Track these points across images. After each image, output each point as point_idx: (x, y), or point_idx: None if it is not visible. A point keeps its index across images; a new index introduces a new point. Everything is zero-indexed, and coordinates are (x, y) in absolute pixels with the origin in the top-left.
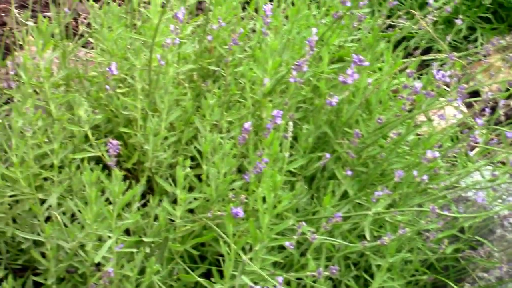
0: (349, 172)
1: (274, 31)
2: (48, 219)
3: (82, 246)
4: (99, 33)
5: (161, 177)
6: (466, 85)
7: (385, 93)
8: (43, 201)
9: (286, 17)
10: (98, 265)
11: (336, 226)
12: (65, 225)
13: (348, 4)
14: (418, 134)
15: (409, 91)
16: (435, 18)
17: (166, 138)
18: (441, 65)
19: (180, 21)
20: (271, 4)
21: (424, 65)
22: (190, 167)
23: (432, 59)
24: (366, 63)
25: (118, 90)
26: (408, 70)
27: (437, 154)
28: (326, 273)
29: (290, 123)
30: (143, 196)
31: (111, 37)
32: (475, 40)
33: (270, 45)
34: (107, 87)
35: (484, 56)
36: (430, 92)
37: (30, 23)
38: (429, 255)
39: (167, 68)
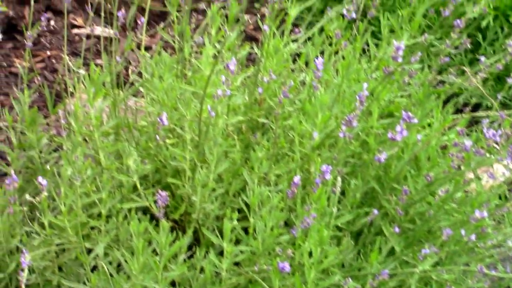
0: (397, 229)
1: (324, 85)
2: (94, 268)
3: None
4: (150, 82)
5: (207, 229)
6: None
7: (434, 149)
8: (89, 250)
9: (337, 70)
10: None
11: (382, 283)
12: (111, 275)
13: (399, 60)
14: (466, 191)
15: (459, 149)
16: (485, 75)
17: (214, 189)
18: (491, 123)
19: (232, 73)
20: (322, 58)
21: (473, 121)
22: (237, 220)
23: (482, 116)
24: (415, 121)
25: (167, 141)
26: (458, 128)
27: (485, 214)
28: None
29: (339, 179)
30: (189, 247)
31: (162, 87)
32: None
33: (320, 99)
34: (157, 137)
35: None
36: (479, 150)
37: (82, 71)
38: None
39: (217, 120)
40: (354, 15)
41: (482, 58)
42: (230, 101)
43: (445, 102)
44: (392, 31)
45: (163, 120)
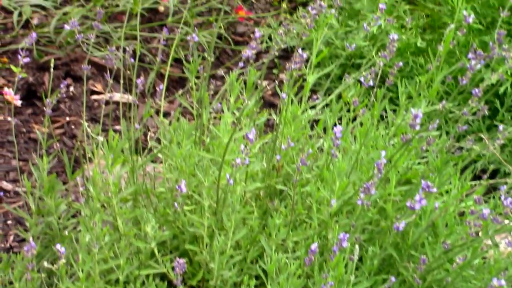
0: None
1: (342, 151)
2: None
3: None
4: (168, 149)
5: None
6: None
7: (451, 216)
8: None
9: (354, 137)
10: None
11: None
12: None
13: (417, 128)
14: (484, 258)
15: (476, 216)
16: (503, 142)
17: (231, 256)
18: (510, 189)
19: (251, 142)
20: (340, 124)
21: (491, 188)
22: (255, 287)
23: (500, 183)
24: (434, 190)
25: (185, 207)
26: (475, 196)
27: (503, 282)
28: None
29: (356, 246)
30: None
31: (180, 153)
32: None
33: (338, 166)
34: (175, 204)
35: None
36: (497, 217)
37: (100, 138)
38: None
39: (235, 187)
40: (371, 83)
41: (501, 126)
42: (248, 168)
43: (463, 168)
44: (410, 97)
45: (182, 187)
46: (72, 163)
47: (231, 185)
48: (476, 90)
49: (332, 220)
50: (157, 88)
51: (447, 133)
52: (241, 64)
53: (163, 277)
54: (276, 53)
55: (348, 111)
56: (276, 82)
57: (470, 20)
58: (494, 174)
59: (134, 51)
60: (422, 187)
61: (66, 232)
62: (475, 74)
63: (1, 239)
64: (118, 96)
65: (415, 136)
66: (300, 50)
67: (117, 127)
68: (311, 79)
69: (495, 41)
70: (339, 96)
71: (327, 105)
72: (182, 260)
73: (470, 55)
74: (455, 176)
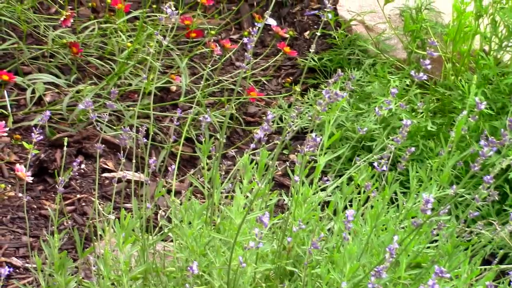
0: None
1: (352, 234)
2: None
3: None
4: (179, 228)
5: None
6: None
7: None
8: None
9: (364, 219)
10: None
11: None
12: None
13: (428, 212)
14: None
15: None
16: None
17: None
18: None
19: (265, 226)
20: (351, 207)
21: (501, 272)
22: None
23: (509, 269)
24: (448, 275)
25: (195, 287)
26: (487, 283)
27: None
28: None
29: None
30: None
31: (191, 233)
32: None
33: (348, 249)
34: (187, 286)
35: None
36: None
37: (112, 216)
38: None
39: (246, 268)
40: (384, 168)
41: None
42: (258, 249)
43: (473, 251)
44: (420, 180)
45: (193, 269)
46: (82, 241)
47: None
48: (488, 177)
49: None
50: (169, 168)
51: (457, 217)
52: (252, 145)
53: None
54: (287, 136)
55: (359, 193)
56: (287, 163)
57: (482, 106)
58: (503, 259)
59: (146, 131)
60: (436, 272)
61: None
62: (486, 160)
63: None
64: (129, 174)
65: (426, 221)
66: (313, 135)
67: (128, 205)
68: (322, 161)
69: (505, 127)
70: (349, 178)
71: (337, 187)
72: None
73: (482, 142)
74: (465, 260)
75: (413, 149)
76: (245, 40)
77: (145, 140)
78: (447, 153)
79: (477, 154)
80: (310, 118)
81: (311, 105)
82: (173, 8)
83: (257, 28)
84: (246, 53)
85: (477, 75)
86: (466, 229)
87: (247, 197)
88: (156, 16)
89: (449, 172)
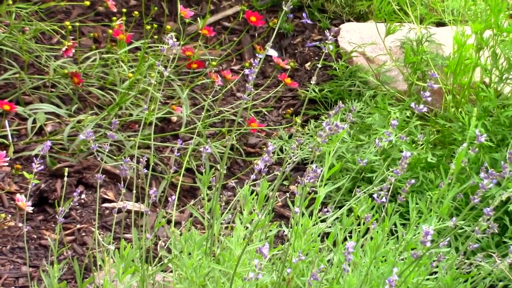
0: None
1: (352, 266)
2: None
3: None
4: (179, 259)
5: None
6: None
7: None
8: None
9: (364, 250)
10: None
11: None
12: None
13: (428, 244)
14: None
15: None
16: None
17: None
18: None
19: (265, 257)
20: (350, 238)
21: None
22: None
23: None
24: None
25: None
26: None
27: None
28: None
29: None
30: None
31: (191, 264)
32: None
33: (348, 281)
34: None
35: None
36: None
37: (112, 246)
38: None
39: None
40: (384, 200)
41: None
42: (258, 280)
43: (472, 282)
44: (420, 212)
45: None
46: (82, 271)
47: None
48: (488, 209)
49: None
50: (169, 198)
51: (457, 249)
52: (253, 176)
53: None
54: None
55: (359, 225)
56: (287, 194)
57: (482, 139)
58: None
59: (147, 161)
60: None
61: None
62: (486, 192)
63: None
64: (130, 205)
65: (426, 253)
66: (314, 166)
67: (128, 235)
68: (322, 192)
69: (505, 159)
70: (349, 209)
71: (337, 218)
72: None
73: (482, 174)
74: None
75: (413, 181)
76: (246, 71)
77: (146, 170)
78: (447, 185)
79: (477, 186)
80: (310, 149)
81: (311, 136)
82: (175, 39)
83: (258, 59)
84: (247, 84)
85: (477, 107)
86: (466, 261)
87: (247, 228)
88: (157, 46)
89: (449, 204)
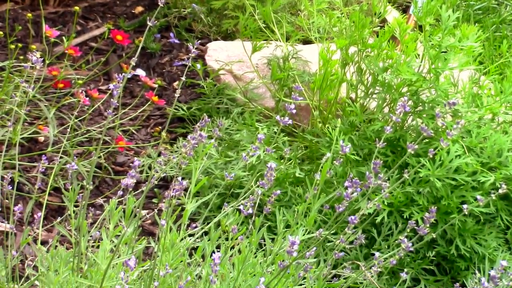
0: None
1: (220, 278)
2: None
3: None
4: (46, 276)
5: None
6: None
7: None
8: None
9: (233, 264)
10: None
11: None
12: None
13: (294, 254)
14: None
15: None
16: (380, 269)
17: None
18: None
19: (131, 269)
20: (219, 252)
21: None
22: None
23: None
24: None
25: None
26: None
27: None
28: None
29: None
30: None
31: (57, 280)
32: None
33: None
34: None
35: None
36: None
37: None
38: None
39: None
40: (250, 211)
41: (376, 254)
42: None
43: None
44: (288, 225)
45: None
46: None
47: None
48: (352, 217)
49: None
50: (35, 216)
51: (325, 261)
52: (120, 192)
53: None
54: (156, 182)
55: (227, 239)
56: (156, 211)
57: (347, 150)
58: None
59: (12, 179)
60: None
61: None
62: (352, 204)
63: None
64: None
65: (292, 263)
66: (179, 178)
67: None
68: (189, 207)
69: (371, 171)
70: (218, 225)
71: (206, 233)
72: None
73: (347, 183)
74: None
75: (278, 191)
76: (111, 86)
77: (10, 187)
78: (313, 196)
79: (343, 197)
80: (177, 164)
81: (180, 154)
82: (38, 56)
83: (122, 75)
84: (112, 99)
85: (344, 122)
86: (333, 271)
87: (113, 242)
88: (22, 67)
89: (315, 215)
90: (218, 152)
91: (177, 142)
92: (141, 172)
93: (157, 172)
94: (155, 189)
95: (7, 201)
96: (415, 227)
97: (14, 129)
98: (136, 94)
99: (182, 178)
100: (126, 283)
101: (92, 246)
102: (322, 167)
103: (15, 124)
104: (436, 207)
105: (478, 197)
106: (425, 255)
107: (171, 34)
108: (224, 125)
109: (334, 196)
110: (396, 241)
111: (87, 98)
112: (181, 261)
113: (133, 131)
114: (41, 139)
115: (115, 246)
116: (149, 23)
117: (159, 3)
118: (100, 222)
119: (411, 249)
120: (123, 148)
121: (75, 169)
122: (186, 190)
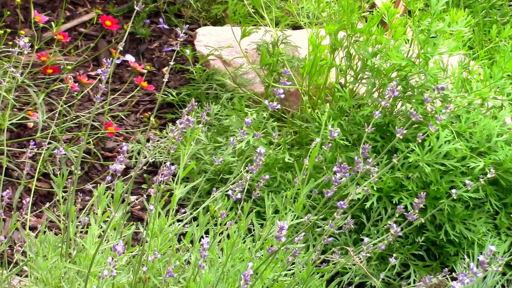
0: None
1: (209, 263)
2: None
3: None
4: (34, 261)
5: None
6: None
7: None
8: None
9: (222, 249)
10: None
11: None
12: None
13: (283, 239)
14: None
15: None
16: (369, 255)
17: None
18: None
19: (119, 254)
20: (207, 237)
21: None
22: None
23: None
24: None
25: None
26: None
27: None
28: None
29: None
30: None
31: (46, 266)
32: (408, 276)
33: (204, 278)
34: None
35: None
36: None
37: None
38: None
39: None
40: (239, 196)
41: (366, 239)
42: (114, 280)
43: (330, 281)
44: (277, 211)
45: None
46: None
47: None
48: (341, 202)
49: None
50: (24, 202)
51: (314, 246)
52: (109, 178)
53: None
54: (145, 168)
55: (216, 224)
56: (145, 196)
57: (336, 135)
58: (360, 286)
59: (0, 165)
60: None
61: None
62: (341, 189)
63: None
64: None
65: (281, 248)
66: (168, 163)
67: None
68: (178, 192)
69: (360, 157)
70: (207, 210)
71: (195, 218)
72: None
73: (335, 168)
74: (320, 287)
75: (267, 177)
76: (99, 71)
77: None
78: (302, 181)
79: (332, 182)
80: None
81: (169, 139)
82: (26, 41)
83: (111, 59)
84: (100, 84)
85: (333, 107)
86: (322, 256)
87: (102, 227)
88: (11, 52)
89: (303, 200)
90: (208, 137)
91: (167, 128)
92: (130, 157)
93: (145, 157)
94: (145, 175)
95: None
96: (404, 213)
97: (3, 115)
98: (125, 80)
99: (171, 164)
100: (115, 268)
101: (81, 232)
102: (311, 152)
103: (4, 109)
104: (425, 192)
105: (467, 182)
106: (415, 240)
107: (161, 20)
108: (213, 110)
109: (323, 181)
110: (385, 227)
111: (76, 84)
112: (170, 247)
113: (122, 116)
114: (30, 124)
115: (103, 231)
116: (137, 8)
117: None
118: (88, 207)
119: (400, 234)
120: (112, 134)
121: (64, 154)
122: (175, 175)
